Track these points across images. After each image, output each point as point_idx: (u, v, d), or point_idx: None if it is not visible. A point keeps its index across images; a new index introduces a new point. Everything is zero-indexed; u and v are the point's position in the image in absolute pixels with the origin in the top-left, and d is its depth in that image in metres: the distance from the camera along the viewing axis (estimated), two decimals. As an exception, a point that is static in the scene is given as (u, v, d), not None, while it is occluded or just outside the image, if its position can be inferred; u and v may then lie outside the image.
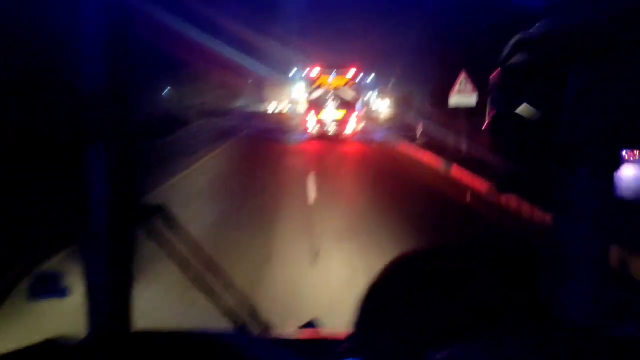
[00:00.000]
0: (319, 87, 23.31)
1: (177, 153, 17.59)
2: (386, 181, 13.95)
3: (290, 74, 69.27)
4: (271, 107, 52.74)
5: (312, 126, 23.67)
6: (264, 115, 49.67)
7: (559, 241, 1.37)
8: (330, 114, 23.19)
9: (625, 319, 1.37)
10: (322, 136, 23.51)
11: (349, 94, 23.21)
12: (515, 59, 3.35)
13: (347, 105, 23.05)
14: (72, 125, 1.44)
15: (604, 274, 1.35)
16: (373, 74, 42.01)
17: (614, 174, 1.39)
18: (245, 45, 36.98)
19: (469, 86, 17.85)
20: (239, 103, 54.90)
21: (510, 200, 9.93)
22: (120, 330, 1.50)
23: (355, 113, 23.23)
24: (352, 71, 23.31)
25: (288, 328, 1.75)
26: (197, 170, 15.69)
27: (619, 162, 1.38)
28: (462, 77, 18.18)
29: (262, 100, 55.23)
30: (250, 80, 51.97)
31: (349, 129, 23.31)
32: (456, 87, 18.45)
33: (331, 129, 23.28)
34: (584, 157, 1.37)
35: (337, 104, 22.96)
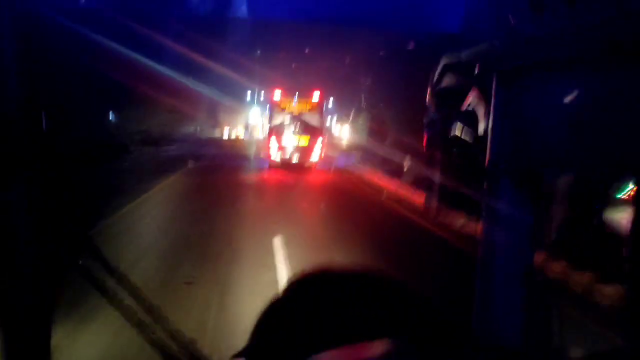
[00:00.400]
0: (281, 111, 21.23)
1: (105, 192, 12.88)
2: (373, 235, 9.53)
3: (247, 98, 65.96)
4: (226, 133, 49.70)
5: (274, 153, 21.10)
6: (219, 141, 46.07)
7: (486, 254, 1.44)
8: (294, 140, 21.09)
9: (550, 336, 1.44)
10: (285, 164, 21.21)
11: (314, 119, 21.23)
12: (445, 81, 3.49)
13: (312, 130, 21.12)
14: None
15: (528, 287, 1.42)
16: (332, 98, 41.37)
17: (537, 189, 1.47)
18: (197, 68, 33.95)
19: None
20: (191, 129, 50.84)
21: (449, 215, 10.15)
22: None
23: (321, 139, 21.29)
24: (316, 95, 21.29)
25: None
26: (127, 217, 10.74)
27: (540, 178, 1.46)
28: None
29: (216, 125, 52.30)
30: (203, 105, 50.11)
31: (314, 156, 21.15)
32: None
33: (295, 156, 21.02)
34: (507, 173, 1.44)
35: (301, 129, 21.01)
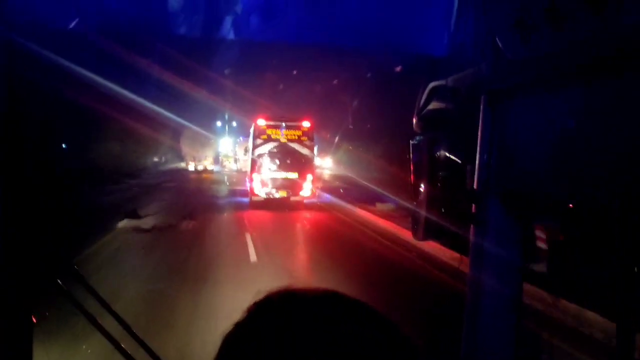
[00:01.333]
0: (265, 141, 18.59)
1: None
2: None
3: (217, 126, 57.76)
4: (191, 165, 42.82)
5: (258, 188, 18.36)
6: (183, 174, 38.93)
7: (474, 286, 1.40)
8: (281, 172, 18.49)
9: None
10: (270, 202, 18.46)
11: (304, 149, 18.70)
12: (431, 105, 3.50)
13: (301, 162, 18.56)
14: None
15: (518, 316, 1.39)
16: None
17: (525, 218, 1.44)
18: (162, 93, 31.43)
19: None
20: (155, 159, 45.87)
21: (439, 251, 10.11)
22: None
23: (310, 173, 18.76)
24: (306, 124, 18.77)
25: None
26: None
27: (530, 207, 1.44)
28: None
29: (182, 155, 44.65)
30: (168, 132, 42.14)
31: (305, 191, 18.58)
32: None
33: (282, 192, 18.45)
34: (496, 195, 1.41)
35: (290, 160, 18.51)
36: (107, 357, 1.61)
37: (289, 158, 18.69)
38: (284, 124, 18.91)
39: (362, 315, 0.75)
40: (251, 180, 18.90)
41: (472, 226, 1.57)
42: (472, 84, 1.94)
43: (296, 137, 18.91)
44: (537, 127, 1.20)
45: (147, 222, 13.95)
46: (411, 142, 3.85)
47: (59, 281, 1.45)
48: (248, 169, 20.52)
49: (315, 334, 0.69)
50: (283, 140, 18.79)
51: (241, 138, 43.60)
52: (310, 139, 19.16)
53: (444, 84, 2.90)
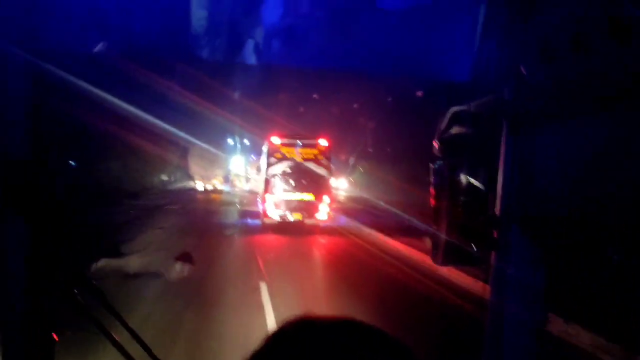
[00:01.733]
0: (280, 159, 17.73)
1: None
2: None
3: (228, 144, 54.03)
4: (200, 184, 40.77)
5: (271, 210, 17.46)
6: (193, 193, 37.24)
7: (495, 312, 1.40)
8: (297, 193, 17.71)
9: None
10: (284, 224, 17.47)
11: (320, 170, 17.75)
12: (453, 129, 3.51)
13: (318, 183, 17.68)
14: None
15: (537, 341, 1.38)
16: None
17: (547, 244, 1.44)
18: (172, 110, 30.09)
19: None
20: (163, 177, 43.35)
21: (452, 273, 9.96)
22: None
23: (327, 194, 17.93)
24: (322, 142, 17.90)
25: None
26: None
27: (552, 233, 1.44)
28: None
29: (190, 174, 42.70)
30: (177, 150, 40.81)
31: (321, 214, 17.62)
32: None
33: (297, 214, 17.55)
34: (518, 221, 1.41)
35: (304, 181, 17.70)
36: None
37: (304, 178, 17.68)
38: (299, 142, 17.95)
39: (378, 342, 0.76)
40: (264, 201, 17.73)
41: (493, 252, 1.56)
42: (494, 109, 1.95)
43: (312, 156, 17.90)
44: (559, 154, 1.21)
45: (130, 264, 10.80)
46: (432, 165, 3.85)
47: (76, 294, 1.48)
48: (260, 189, 19.30)
49: None
50: (298, 159, 17.80)
51: (253, 156, 42.46)
52: (327, 158, 18.16)
53: (466, 109, 2.91)
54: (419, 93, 21.73)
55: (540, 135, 1.33)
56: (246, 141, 58.10)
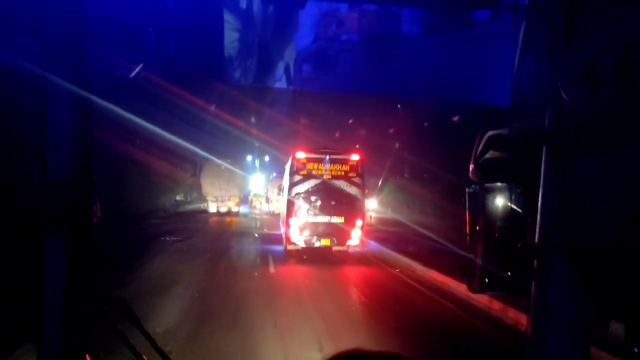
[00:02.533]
0: (305, 178, 15.68)
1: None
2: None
3: (246, 162, 50.32)
4: (215, 205, 36.40)
5: (295, 234, 15.36)
6: (205, 217, 33.34)
7: (535, 346, 1.34)
8: (324, 216, 15.75)
9: None
10: (309, 250, 15.60)
11: (351, 190, 15.75)
12: (489, 153, 3.45)
13: (347, 204, 15.68)
14: (32, 213, 1.43)
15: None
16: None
17: (591, 276, 1.38)
18: (181, 125, 27.17)
19: None
20: (177, 198, 39.67)
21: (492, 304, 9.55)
22: None
23: (360, 217, 15.83)
24: (354, 157, 15.71)
25: None
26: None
27: (592, 267, 1.38)
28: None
29: (203, 194, 37.94)
30: (190, 169, 37.19)
31: (353, 239, 15.46)
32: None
33: (324, 239, 15.57)
34: (559, 250, 1.37)
35: (333, 202, 15.77)
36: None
37: (333, 198, 15.70)
38: (327, 157, 15.68)
39: None
40: (287, 225, 15.59)
41: (533, 282, 1.52)
42: (532, 134, 1.91)
43: (342, 173, 15.79)
44: (603, 182, 1.17)
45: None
46: (467, 190, 3.79)
47: (108, 312, 1.50)
48: (283, 211, 17.50)
49: None
50: (327, 176, 15.73)
51: (274, 174, 40.02)
52: (360, 175, 15.94)
53: (503, 133, 2.86)
54: (455, 118, 21.43)
55: (583, 161, 1.29)
56: (267, 157, 54.03)
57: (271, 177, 43.86)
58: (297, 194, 15.52)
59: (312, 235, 15.31)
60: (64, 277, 1.42)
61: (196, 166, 36.01)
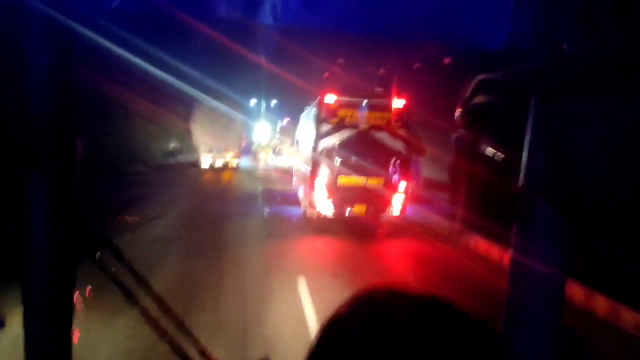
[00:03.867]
0: (336, 128, 12.49)
1: None
2: None
3: (251, 105, 44.20)
4: (209, 157, 29.49)
5: (322, 202, 12.34)
6: (194, 174, 27.27)
7: (515, 284, 1.39)
8: (360, 177, 12.44)
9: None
10: (339, 222, 12.52)
11: (395, 143, 12.53)
12: (478, 98, 3.44)
13: (389, 161, 12.48)
14: (11, 151, 1.40)
15: (559, 314, 1.37)
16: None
17: (573, 219, 1.41)
18: (182, 66, 23.68)
19: None
20: (172, 146, 34.13)
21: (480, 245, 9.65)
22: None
23: (405, 179, 12.53)
24: (398, 102, 12.41)
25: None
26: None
27: (580, 208, 1.41)
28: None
29: (194, 144, 31.08)
30: (183, 113, 31.13)
31: (394, 207, 12.45)
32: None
33: (358, 205, 12.43)
34: (543, 196, 1.39)
35: (371, 159, 12.46)
36: (144, 334, 1.63)
37: (371, 155, 12.58)
38: (365, 102, 12.51)
39: (456, 318, 0.77)
40: (311, 187, 12.48)
41: (515, 224, 1.55)
42: (524, 78, 1.89)
43: (384, 123, 12.60)
44: (594, 128, 1.17)
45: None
46: (454, 135, 3.80)
47: (97, 255, 1.50)
48: (300, 169, 14.54)
49: (409, 331, 0.71)
50: (363, 127, 12.55)
51: (287, 119, 34.90)
52: (405, 125, 12.77)
53: (493, 77, 2.84)
54: (447, 60, 21.04)
55: (575, 107, 1.29)
56: (274, 101, 46.90)
57: (281, 124, 38.48)
58: (326, 148, 12.50)
59: (342, 201, 12.32)
60: (51, 219, 1.41)
61: (191, 109, 30.06)
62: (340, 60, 30.31)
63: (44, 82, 1.38)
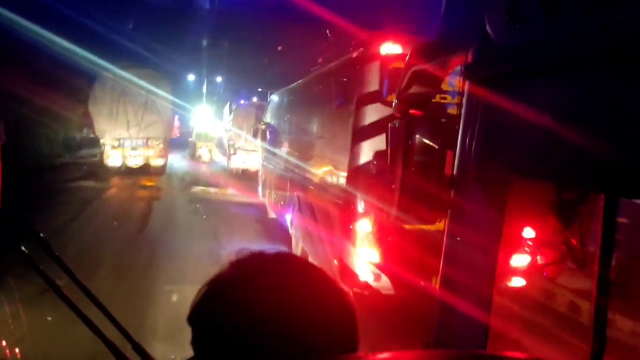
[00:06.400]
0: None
1: None
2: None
3: (189, 81, 35.43)
4: (119, 155, 19.70)
5: (370, 266, 5.71)
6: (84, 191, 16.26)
7: (448, 270, 1.45)
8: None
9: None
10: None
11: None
12: (413, 87, 3.53)
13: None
14: None
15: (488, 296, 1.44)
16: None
17: (505, 206, 1.49)
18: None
19: None
20: (86, 134, 26.01)
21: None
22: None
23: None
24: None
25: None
26: None
27: (505, 188, 1.48)
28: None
29: (97, 136, 20.94)
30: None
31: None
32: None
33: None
34: (475, 180, 1.45)
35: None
36: (72, 327, 1.58)
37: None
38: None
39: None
40: (347, 236, 6.01)
41: (448, 213, 1.60)
42: (456, 68, 1.96)
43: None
44: (522, 116, 1.23)
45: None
46: (390, 125, 3.88)
47: (22, 248, 1.44)
48: (288, 185, 9.65)
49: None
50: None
51: (242, 102, 25.05)
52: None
53: (427, 68, 2.92)
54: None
55: (504, 96, 1.35)
56: (219, 78, 36.55)
57: (231, 106, 25.70)
58: (377, 156, 5.78)
59: (411, 264, 5.57)
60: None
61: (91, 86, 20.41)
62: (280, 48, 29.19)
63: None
